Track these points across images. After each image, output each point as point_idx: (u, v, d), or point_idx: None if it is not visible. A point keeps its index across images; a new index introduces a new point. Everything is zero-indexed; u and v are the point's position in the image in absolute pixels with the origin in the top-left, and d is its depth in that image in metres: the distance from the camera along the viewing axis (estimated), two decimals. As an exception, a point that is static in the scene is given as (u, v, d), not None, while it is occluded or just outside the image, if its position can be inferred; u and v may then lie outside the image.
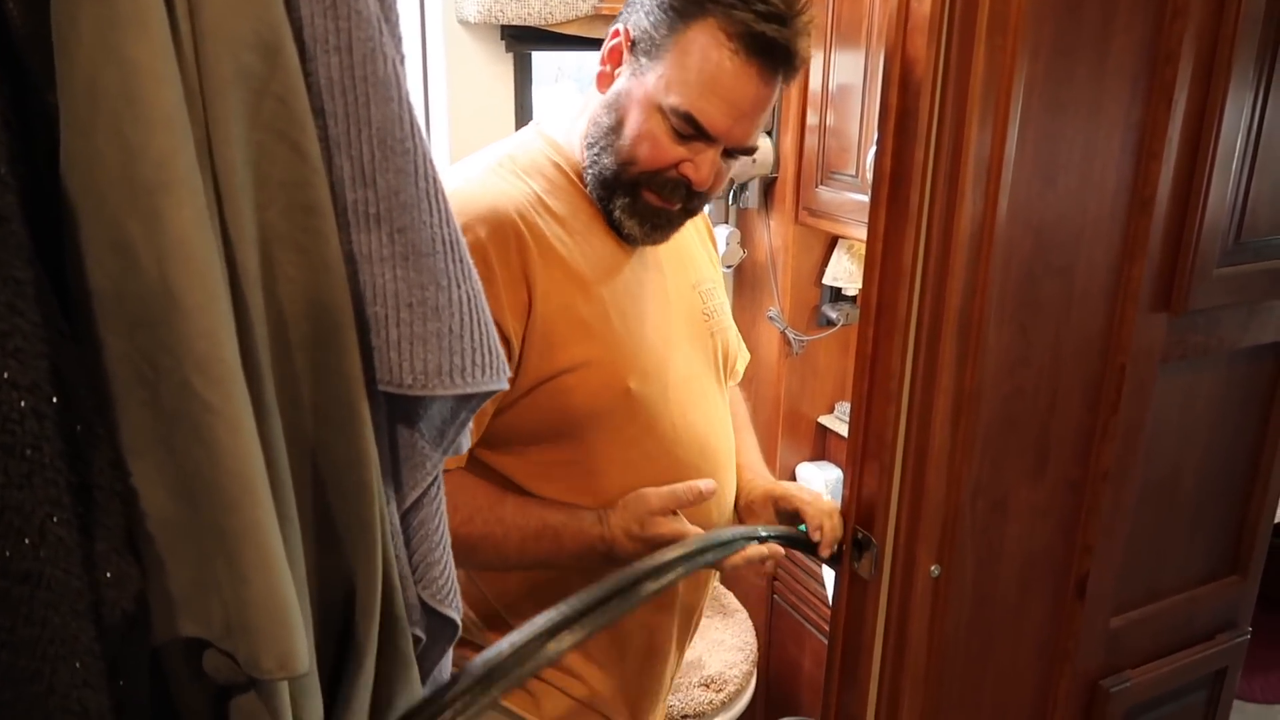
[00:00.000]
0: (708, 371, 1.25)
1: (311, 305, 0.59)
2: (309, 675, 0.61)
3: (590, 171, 1.12)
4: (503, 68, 2.00)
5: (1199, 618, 1.39)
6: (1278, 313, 1.25)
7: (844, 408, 2.36)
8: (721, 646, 2.12)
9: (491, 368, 0.67)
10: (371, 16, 0.58)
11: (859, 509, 1.10)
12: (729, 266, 2.33)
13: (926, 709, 1.14)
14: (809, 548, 1.18)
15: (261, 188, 0.56)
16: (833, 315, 2.24)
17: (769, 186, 2.22)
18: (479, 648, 1.19)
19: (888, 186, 0.98)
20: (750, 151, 1.12)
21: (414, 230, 0.61)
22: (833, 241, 2.23)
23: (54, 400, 0.47)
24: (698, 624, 1.33)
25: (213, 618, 0.55)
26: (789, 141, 2.13)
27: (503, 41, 1.97)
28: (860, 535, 1.10)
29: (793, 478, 2.39)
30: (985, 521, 1.10)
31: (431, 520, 0.72)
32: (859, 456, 1.08)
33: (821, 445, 2.42)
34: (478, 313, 0.66)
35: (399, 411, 0.68)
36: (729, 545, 1.08)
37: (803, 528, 1.18)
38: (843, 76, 1.98)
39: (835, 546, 1.15)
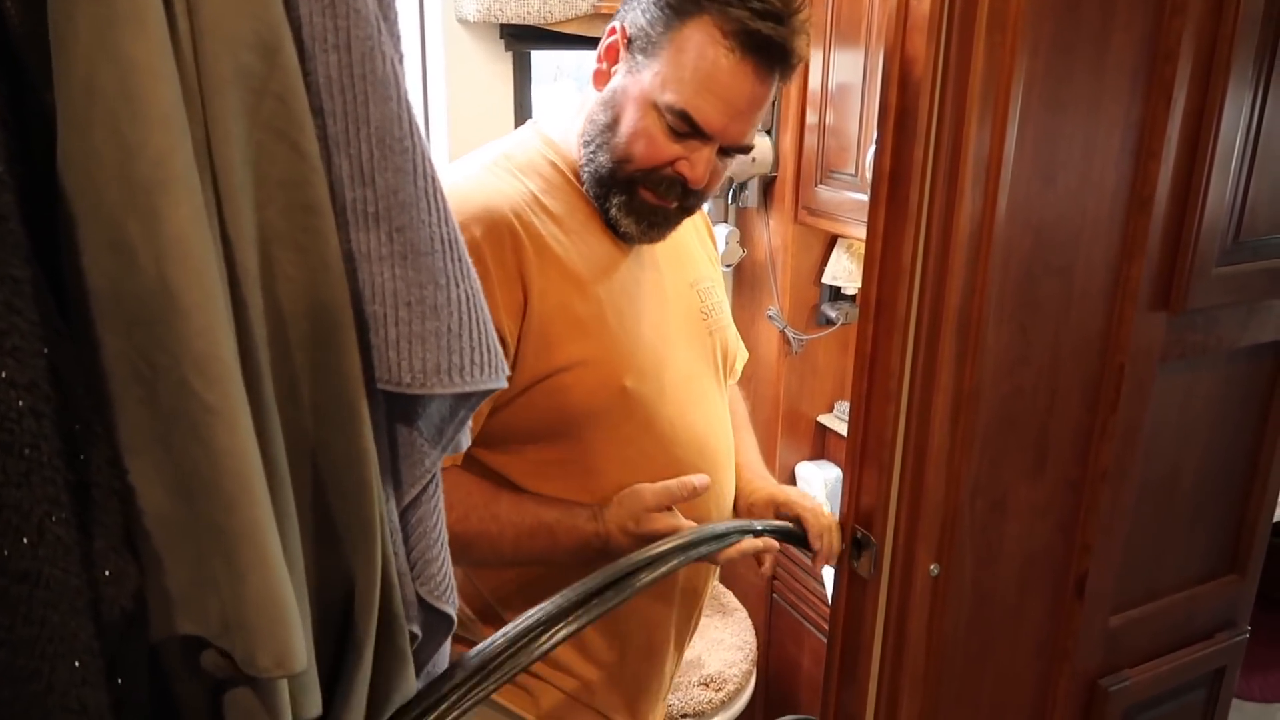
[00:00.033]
0: (706, 370, 1.25)
1: (311, 304, 0.59)
2: (307, 672, 0.61)
3: (587, 170, 1.12)
4: (502, 66, 2.00)
5: (1198, 617, 1.40)
6: (1276, 312, 1.25)
7: (843, 407, 2.36)
8: (721, 645, 2.12)
9: (490, 366, 0.67)
10: (370, 15, 0.58)
11: (858, 508, 1.10)
12: (728, 265, 2.33)
13: (925, 708, 1.14)
14: (804, 543, 1.19)
15: (260, 187, 0.56)
16: (832, 314, 2.24)
17: (768, 185, 2.22)
18: (473, 643, 1.20)
19: (887, 185, 0.98)
20: (746, 150, 1.12)
21: (413, 229, 0.61)
22: (832, 240, 2.23)
23: (52, 399, 0.47)
24: (697, 623, 1.33)
25: (210, 616, 0.55)
26: (788, 140, 2.13)
27: (502, 40, 1.97)
28: (859, 534, 1.10)
29: (792, 477, 2.39)
30: (984, 521, 1.10)
31: (430, 518, 0.72)
32: (858, 455, 1.08)
33: (821, 444, 2.42)
34: (476, 311, 0.66)
35: (398, 410, 0.68)
36: (724, 538, 1.08)
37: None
38: (842, 75, 1.98)
39: (833, 560, 1.16)
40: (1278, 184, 1.15)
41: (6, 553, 0.46)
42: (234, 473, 0.52)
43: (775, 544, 1.16)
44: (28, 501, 0.46)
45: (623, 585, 0.93)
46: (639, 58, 1.07)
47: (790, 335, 2.25)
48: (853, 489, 1.10)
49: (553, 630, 0.87)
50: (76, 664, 0.49)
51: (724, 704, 2.00)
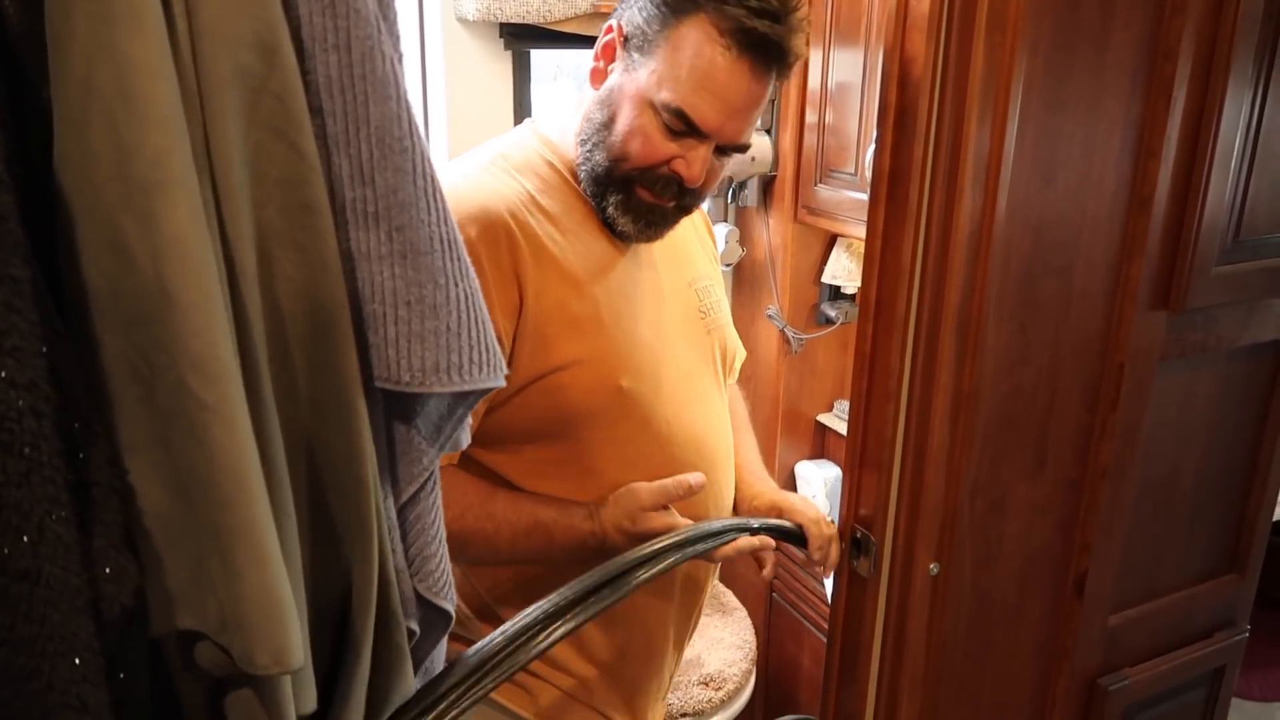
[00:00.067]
0: (704, 369, 1.25)
1: (309, 303, 0.59)
2: (303, 669, 0.61)
3: (583, 168, 1.12)
4: (501, 65, 2.00)
5: (1198, 616, 1.40)
6: (1276, 311, 1.25)
7: (843, 406, 2.36)
8: (720, 645, 2.12)
9: (489, 365, 0.67)
10: (370, 15, 0.58)
11: (858, 507, 1.10)
12: (728, 265, 2.33)
13: (925, 707, 1.14)
14: (800, 541, 1.19)
15: (259, 186, 0.57)
16: (832, 313, 2.24)
17: (768, 185, 2.22)
18: (470, 641, 1.20)
19: (887, 184, 0.98)
20: (743, 149, 1.12)
21: (412, 228, 0.62)
22: (832, 239, 2.23)
23: (51, 398, 0.47)
24: (697, 621, 1.33)
25: (209, 613, 0.55)
26: (788, 139, 2.13)
27: (501, 39, 1.97)
28: (859, 534, 1.10)
29: (792, 476, 2.39)
30: (984, 520, 1.10)
31: (428, 515, 0.72)
32: (858, 455, 1.08)
33: (820, 443, 2.42)
34: (475, 310, 0.66)
35: (396, 408, 0.68)
36: (720, 536, 1.08)
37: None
38: (841, 74, 1.98)
39: (831, 572, 1.16)
40: (1277, 183, 1.15)
41: (7, 551, 0.46)
42: (231, 472, 0.52)
43: (771, 542, 1.16)
44: (28, 500, 0.46)
45: (619, 583, 0.93)
46: (635, 56, 1.07)
47: (790, 334, 2.25)
48: (852, 488, 1.10)
49: (550, 629, 0.87)
50: (77, 662, 0.49)
51: (723, 703, 2.00)
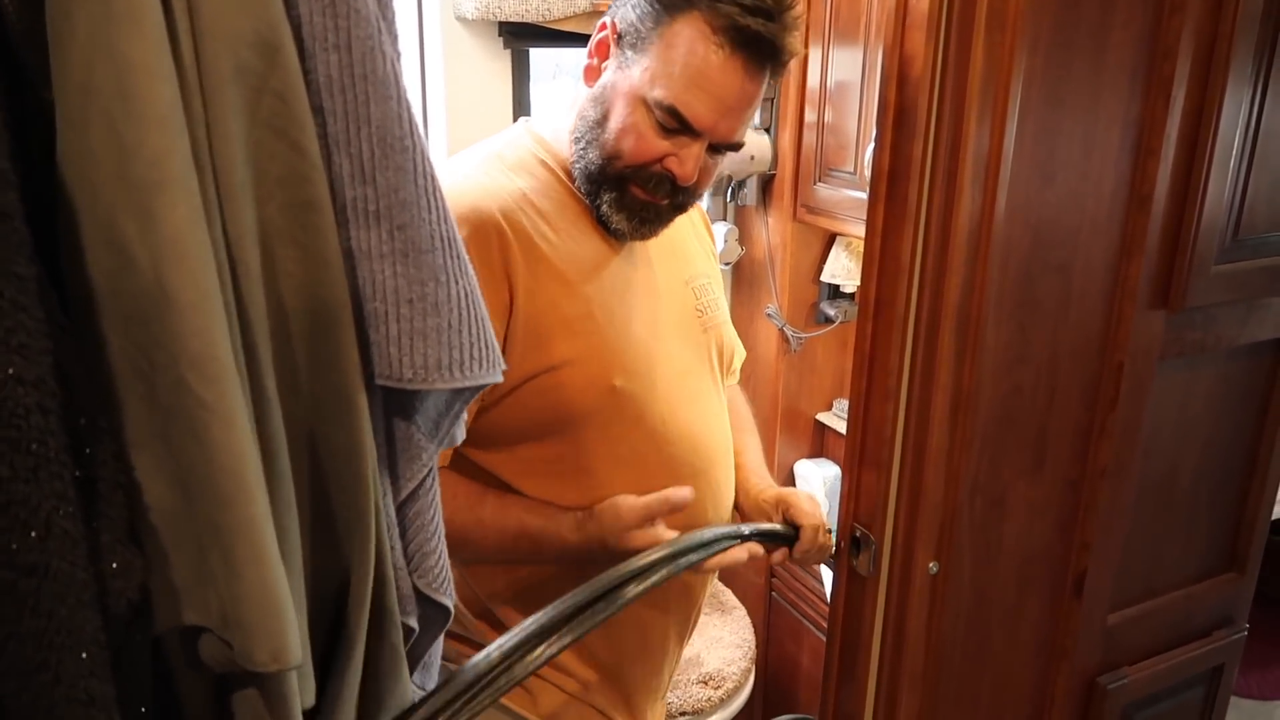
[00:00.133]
0: (701, 368, 1.24)
1: (310, 300, 0.60)
2: (303, 663, 0.61)
3: (577, 166, 1.12)
4: (500, 64, 2.00)
5: (1196, 614, 1.40)
6: (1275, 309, 1.25)
7: (842, 405, 2.36)
8: (720, 644, 2.12)
9: (488, 361, 0.67)
10: (371, 15, 0.58)
11: (857, 506, 1.10)
12: (727, 264, 2.33)
13: (924, 706, 1.15)
14: (790, 543, 1.19)
15: (260, 184, 0.57)
16: (831, 312, 2.24)
17: (767, 183, 2.22)
18: (466, 639, 1.20)
19: (886, 183, 0.98)
20: (737, 147, 1.12)
21: (414, 227, 0.62)
22: (831, 238, 2.23)
23: (57, 394, 0.48)
24: (696, 620, 1.33)
25: (211, 609, 0.56)
26: (787, 138, 2.13)
27: (500, 38, 1.97)
28: (858, 533, 1.10)
29: (791, 475, 2.39)
30: (983, 519, 1.10)
31: (427, 511, 0.73)
32: (857, 454, 1.08)
33: (820, 442, 2.42)
34: (474, 307, 0.67)
35: (395, 405, 0.68)
36: (713, 545, 1.07)
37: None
38: (841, 73, 1.98)
39: (811, 562, 1.17)
40: (1277, 182, 1.15)
41: (15, 546, 0.46)
42: (230, 471, 0.52)
43: (759, 549, 1.15)
44: (35, 496, 0.47)
45: (613, 597, 0.92)
46: (629, 53, 1.07)
47: (789, 333, 2.25)
48: (852, 487, 1.10)
49: (544, 645, 0.85)
50: (84, 655, 0.49)
51: (723, 702, 2.00)
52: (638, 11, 1.06)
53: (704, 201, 1.23)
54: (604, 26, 1.10)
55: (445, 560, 0.75)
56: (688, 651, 1.91)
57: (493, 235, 1.04)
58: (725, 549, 1.09)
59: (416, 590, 0.73)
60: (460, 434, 0.73)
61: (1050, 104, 0.96)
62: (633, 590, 0.94)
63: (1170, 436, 1.24)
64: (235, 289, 0.55)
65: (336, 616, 0.67)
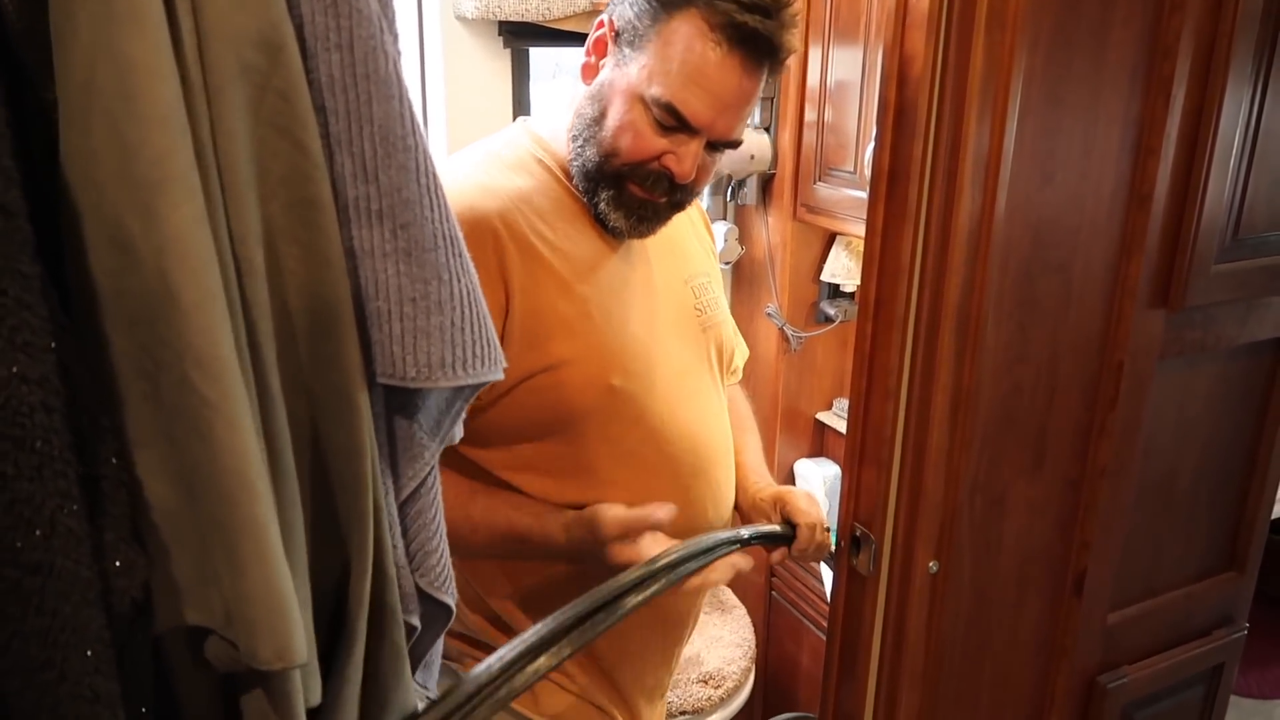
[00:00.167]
0: (700, 367, 1.24)
1: (312, 298, 0.60)
2: (308, 661, 0.61)
3: (575, 164, 1.12)
4: (500, 63, 2.00)
5: (1196, 614, 1.40)
6: (1275, 309, 1.25)
7: (842, 404, 2.36)
8: (720, 643, 2.12)
9: (490, 359, 0.68)
10: (372, 15, 0.58)
11: (857, 506, 1.10)
12: (727, 263, 2.33)
13: (924, 705, 1.15)
14: (788, 543, 1.20)
15: (263, 182, 0.57)
16: (831, 312, 2.24)
17: (767, 183, 2.22)
18: (466, 637, 1.20)
19: (886, 182, 0.98)
20: (734, 145, 1.12)
21: (416, 226, 0.62)
22: (831, 238, 2.23)
23: (61, 393, 0.48)
24: (696, 619, 1.34)
25: (214, 608, 0.56)
26: (787, 138, 2.13)
27: (500, 37, 1.97)
28: (858, 532, 1.10)
29: (791, 474, 2.39)
30: (983, 518, 1.10)
31: (429, 510, 0.73)
32: (857, 453, 1.08)
33: (820, 442, 2.42)
34: (475, 306, 0.67)
35: (396, 404, 0.69)
36: (713, 551, 1.06)
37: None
38: (841, 72, 1.98)
39: (809, 559, 1.17)
40: (1277, 181, 1.15)
41: (20, 545, 0.46)
42: (234, 469, 0.52)
43: (748, 562, 1.15)
44: (40, 495, 0.47)
45: (612, 608, 0.91)
46: (626, 51, 1.06)
47: (789, 333, 2.25)
48: (852, 486, 1.10)
49: (540, 659, 0.83)
50: (89, 653, 0.49)
51: (723, 701, 2.00)
52: (635, 9, 1.06)
53: (704, 200, 1.24)
54: (602, 24, 1.10)
55: (447, 559, 0.75)
56: (688, 651, 1.91)
57: (488, 235, 1.04)
58: (726, 554, 1.08)
59: (418, 589, 0.73)
60: (459, 433, 0.73)
61: (1050, 103, 0.96)
62: (632, 601, 0.93)
63: (1170, 436, 1.24)
64: (240, 287, 0.55)
65: (337, 615, 0.67)
